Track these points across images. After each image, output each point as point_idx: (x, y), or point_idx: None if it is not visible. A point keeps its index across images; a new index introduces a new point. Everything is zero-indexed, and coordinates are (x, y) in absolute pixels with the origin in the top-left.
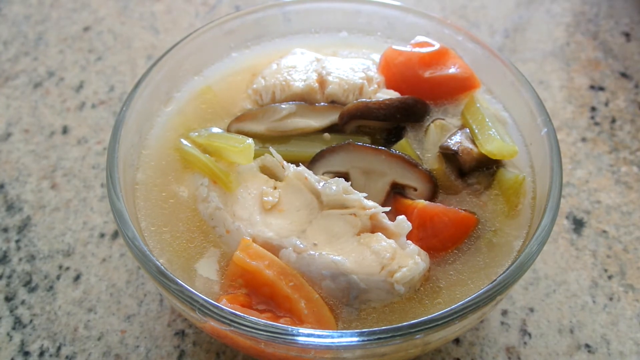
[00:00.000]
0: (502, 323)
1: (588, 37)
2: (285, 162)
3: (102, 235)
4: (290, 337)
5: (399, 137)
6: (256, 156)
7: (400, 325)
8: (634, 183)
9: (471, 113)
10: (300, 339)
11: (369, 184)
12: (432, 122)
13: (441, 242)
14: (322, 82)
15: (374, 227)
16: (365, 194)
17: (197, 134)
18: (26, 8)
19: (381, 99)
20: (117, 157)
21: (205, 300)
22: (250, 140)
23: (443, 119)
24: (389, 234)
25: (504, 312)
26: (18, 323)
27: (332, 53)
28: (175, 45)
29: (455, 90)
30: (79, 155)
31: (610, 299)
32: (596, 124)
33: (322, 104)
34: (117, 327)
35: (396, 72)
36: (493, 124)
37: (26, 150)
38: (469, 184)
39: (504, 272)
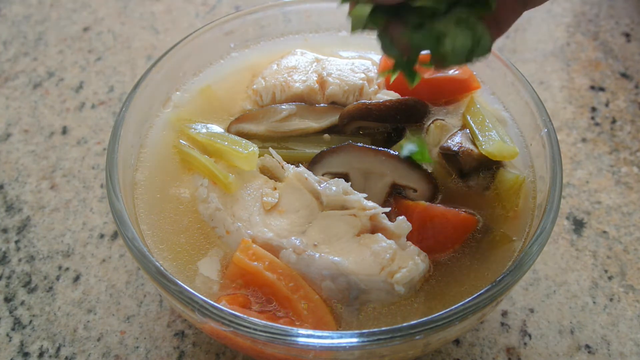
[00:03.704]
0: (502, 324)
1: (588, 37)
2: (285, 163)
3: (101, 236)
4: (290, 338)
5: (399, 137)
6: None
7: (400, 326)
8: (634, 184)
9: (471, 114)
10: (300, 339)
11: (369, 185)
12: (432, 122)
13: (441, 243)
14: (323, 82)
15: (374, 228)
16: (365, 195)
17: (195, 130)
18: (26, 8)
19: (381, 100)
20: (116, 158)
21: (205, 301)
22: (255, 148)
23: (443, 120)
24: (389, 235)
25: (504, 313)
26: (17, 324)
27: (332, 53)
28: (175, 46)
29: (455, 91)
30: (78, 156)
31: (611, 299)
32: (596, 124)
33: (322, 104)
34: (116, 328)
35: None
36: (493, 124)
37: (26, 151)
38: (469, 185)
39: (504, 273)
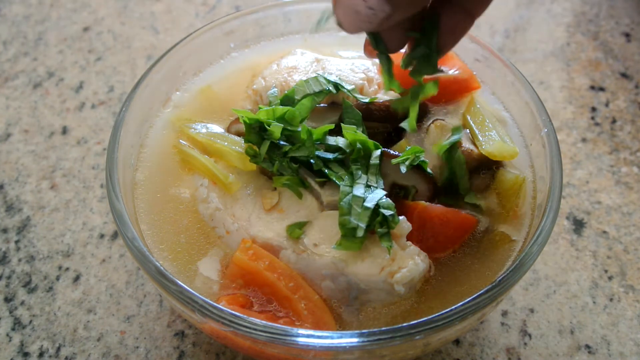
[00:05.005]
0: (502, 324)
1: (588, 37)
2: None
3: (101, 236)
4: (289, 338)
5: (399, 137)
6: None
7: (400, 326)
8: (634, 184)
9: (471, 114)
10: (300, 339)
11: None
12: (432, 122)
13: (441, 243)
14: None
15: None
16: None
17: (195, 130)
18: (26, 8)
19: (381, 100)
20: (116, 158)
21: (205, 301)
22: None
23: (443, 120)
24: None
25: (504, 313)
26: (17, 324)
27: (332, 53)
28: (175, 46)
29: (455, 91)
30: (78, 156)
31: (611, 299)
32: (596, 124)
33: (322, 104)
34: (116, 328)
35: (396, 73)
36: (493, 125)
37: (26, 151)
38: (469, 185)
39: (504, 273)
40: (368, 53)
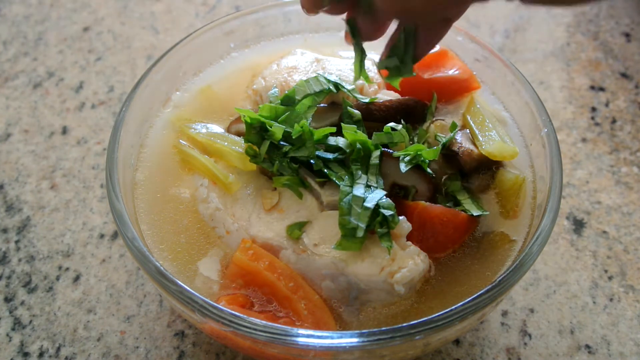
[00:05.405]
0: (502, 324)
1: (588, 37)
2: None
3: (101, 236)
4: (289, 338)
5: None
6: None
7: (400, 326)
8: (634, 184)
9: (471, 114)
10: (300, 339)
11: None
12: (432, 122)
13: (441, 243)
14: None
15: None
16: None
17: (195, 130)
18: (26, 8)
19: (381, 100)
20: (116, 158)
21: (205, 301)
22: None
23: (443, 120)
24: None
25: (504, 313)
26: (17, 324)
27: (332, 53)
28: (175, 46)
29: (455, 91)
30: (78, 156)
31: (611, 299)
32: (596, 124)
33: (322, 104)
34: (116, 328)
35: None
36: (493, 125)
37: (26, 151)
38: (470, 185)
39: (504, 273)
40: (348, 42)
